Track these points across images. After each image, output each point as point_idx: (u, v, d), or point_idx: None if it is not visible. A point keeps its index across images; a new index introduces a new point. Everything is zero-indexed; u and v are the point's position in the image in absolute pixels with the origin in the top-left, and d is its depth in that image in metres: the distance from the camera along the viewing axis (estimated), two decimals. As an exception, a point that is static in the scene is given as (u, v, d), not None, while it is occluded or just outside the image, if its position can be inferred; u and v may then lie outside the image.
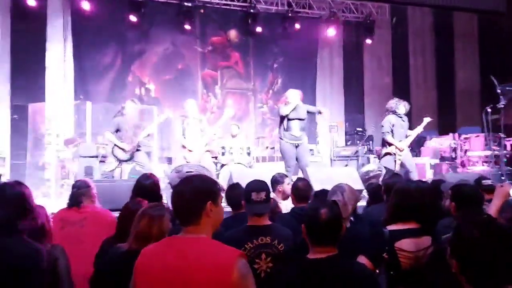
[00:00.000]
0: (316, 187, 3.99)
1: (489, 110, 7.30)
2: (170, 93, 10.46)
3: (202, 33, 10.84)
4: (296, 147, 6.37)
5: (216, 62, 11.03)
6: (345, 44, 11.94)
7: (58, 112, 8.74)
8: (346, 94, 11.97)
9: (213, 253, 1.59)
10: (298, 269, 1.92)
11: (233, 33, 11.05)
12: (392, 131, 6.40)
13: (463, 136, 9.20)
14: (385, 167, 6.42)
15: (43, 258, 1.97)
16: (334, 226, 1.92)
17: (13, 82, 8.87)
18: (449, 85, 12.36)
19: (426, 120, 6.65)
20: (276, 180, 4.04)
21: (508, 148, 8.56)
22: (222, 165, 7.73)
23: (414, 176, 6.29)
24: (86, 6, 9.19)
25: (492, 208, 2.51)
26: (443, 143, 9.41)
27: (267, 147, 9.33)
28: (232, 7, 10.70)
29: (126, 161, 6.26)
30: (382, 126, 6.52)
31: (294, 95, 6.43)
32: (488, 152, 8.24)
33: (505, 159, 7.81)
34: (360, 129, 10.96)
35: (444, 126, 10.81)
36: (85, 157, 7.59)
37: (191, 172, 4.87)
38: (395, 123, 6.44)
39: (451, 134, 9.49)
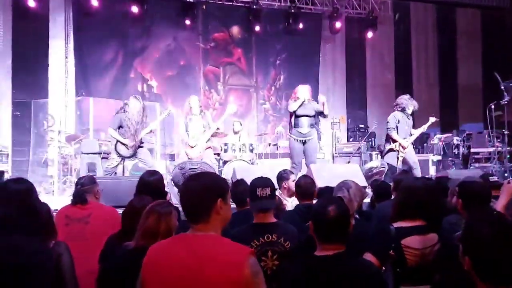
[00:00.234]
0: (320, 183, 3.97)
1: (492, 106, 7.28)
2: (172, 90, 10.45)
3: (205, 29, 10.81)
4: (304, 143, 6.34)
5: (219, 59, 11.00)
6: (348, 40, 11.91)
7: (61, 109, 8.74)
8: (349, 90, 11.94)
9: (224, 251, 1.58)
10: (305, 266, 1.91)
11: (235, 29, 11.02)
12: (397, 127, 6.39)
13: (466, 132, 9.18)
14: (388, 164, 6.41)
15: (46, 255, 1.96)
16: (342, 223, 1.91)
17: (15, 78, 8.87)
18: (452, 82, 12.32)
19: (431, 120, 6.62)
20: (281, 177, 4.04)
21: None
22: (225, 162, 7.72)
23: (417, 173, 6.28)
24: (88, 2, 9.17)
25: (499, 205, 2.50)
26: (446, 139, 9.38)
27: (269, 144, 9.31)
28: (234, 3, 10.66)
29: (128, 157, 6.24)
30: (388, 122, 6.50)
31: (303, 91, 6.34)
32: (491, 149, 8.22)
33: (508, 156, 7.79)
34: (362, 126, 10.95)
35: (447, 123, 10.78)
36: (88, 153, 7.58)
37: (194, 169, 4.87)
38: (401, 120, 6.44)
39: (454, 131, 9.47)
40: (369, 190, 4.70)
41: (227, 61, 11.09)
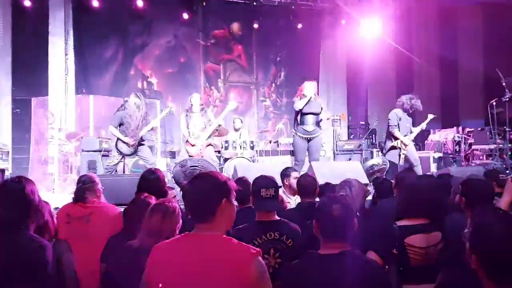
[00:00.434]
0: (321, 181, 3.97)
1: (494, 103, 7.25)
2: (172, 87, 10.44)
3: (205, 26, 10.80)
4: (308, 141, 6.32)
5: (219, 55, 10.98)
6: (348, 37, 11.85)
7: (61, 106, 8.71)
8: (349, 87, 11.90)
9: (230, 250, 1.57)
10: (308, 264, 1.89)
11: (235, 26, 11.00)
12: (398, 124, 6.37)
13: (467, 129, 9.16)
14: (389, 161, 6.40)
15: (48, 253, 1.95)
16: (346, 222, 1.90)
17: (15, 76, 8.84)
18: (453, 78, 12.27)
19: (430, 117, 6.60)
20: (283, 174, 4.04)
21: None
22: (226, 159, 7.71)
23: (419, 170, 6.26)
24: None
25: (503, 202, 2.48)
26: (446, 136, 9.36)
27: (270, 141, 9.30)
28: (235, 0, 10.62)
29: (129, 155, 6.23)
30: (389, 119, 6.47)
31: (309, 88, 6.27)
32: (493, 146, 8.20)
33: (509, 153, 7.77)
34: (363, 123, 10.92)
35: (447, 119, 10.75)
36: (88, 151, 7.56)
37: (195, 166, 4.85)
38: (402, 117, 6.41)
39: (454, 128, 9.44)
40: (370, 188, 4.68)
41: (227, 58, 11.08)
